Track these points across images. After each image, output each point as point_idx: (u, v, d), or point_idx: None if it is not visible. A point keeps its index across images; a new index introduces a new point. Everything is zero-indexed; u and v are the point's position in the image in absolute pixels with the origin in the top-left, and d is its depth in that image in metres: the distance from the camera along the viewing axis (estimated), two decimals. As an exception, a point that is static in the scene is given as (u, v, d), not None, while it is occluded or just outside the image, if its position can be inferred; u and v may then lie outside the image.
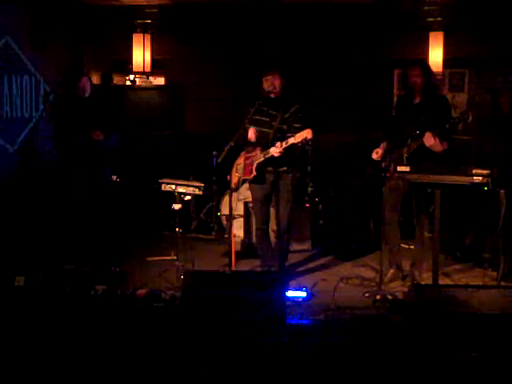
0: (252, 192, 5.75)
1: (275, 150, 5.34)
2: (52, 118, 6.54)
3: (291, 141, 5.27)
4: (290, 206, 5.62)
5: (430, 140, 5.20)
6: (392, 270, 5.77)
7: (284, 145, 5.31)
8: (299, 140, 5.22)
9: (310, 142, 5.28)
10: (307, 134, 5.20)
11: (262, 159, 5.47)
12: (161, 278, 5.67)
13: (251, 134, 5.60)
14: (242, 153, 5.73)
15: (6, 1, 6.58)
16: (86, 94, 6.39)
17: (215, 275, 5.01)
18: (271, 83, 5.49)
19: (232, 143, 5.21)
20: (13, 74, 6.81)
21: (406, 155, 5.39)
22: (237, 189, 5.69)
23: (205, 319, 4.39)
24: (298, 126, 5.45)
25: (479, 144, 6.72)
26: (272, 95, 5.51)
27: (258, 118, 5.56)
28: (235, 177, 5.68)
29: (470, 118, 5.17)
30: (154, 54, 8.29)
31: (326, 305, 5.10)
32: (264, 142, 5.49)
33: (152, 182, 6.19)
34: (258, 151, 5.51)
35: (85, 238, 6.13)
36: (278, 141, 5.39)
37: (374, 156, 5.68)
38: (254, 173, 5.52)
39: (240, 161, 5.72)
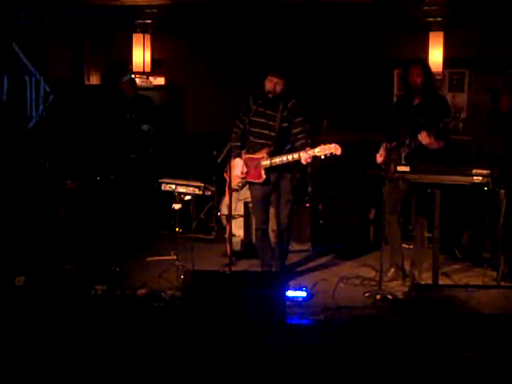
0: (252, 192, 5.70)
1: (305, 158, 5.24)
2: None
3: (314, 153, 5.21)
4: (289, 205, 5.58)
5: (425, 138, 5.31)
6: (392, 270, 5.78)
7: (309, 159, 5.23)
8: (323, 153, 5.19)
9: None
10: (335, 149, 5.17)
11: (273, 163, 5.38)
12: (161, 278, 5.67)
13: (239, 169, 5.48)
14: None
15: (6, 1, 6.59)
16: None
17: (215, 275, 5.01)
18: (274, 85, 5.40)
19: (232, 143, 5.19)
20: (13, 74, 6.80)
21: (404, 155, 5.45)
22: (241, 188, 5.67)
23: (205, 319, 4.39)
24: (299, 119, 5.46)
25: (479, 144, 6.73)
26: (270, 95, 5.43)
27: (256, 119, 5.47)
28: (237, 178, 5.63)
29: (463, 116, 5.22)
30: (154, 54, 8.28)
31: (325, 305, 5.10)
32: (269, 145, 5.43)
33: (152, 181, 6.18)
34: (263, 154, 5.42)
35: (85, 238, 6.14)
36: (283, 139, 5.39)
37: (379, 160, 5.68)
38: (264, 176, 5.46)
39: (239, 161, 5.62)
